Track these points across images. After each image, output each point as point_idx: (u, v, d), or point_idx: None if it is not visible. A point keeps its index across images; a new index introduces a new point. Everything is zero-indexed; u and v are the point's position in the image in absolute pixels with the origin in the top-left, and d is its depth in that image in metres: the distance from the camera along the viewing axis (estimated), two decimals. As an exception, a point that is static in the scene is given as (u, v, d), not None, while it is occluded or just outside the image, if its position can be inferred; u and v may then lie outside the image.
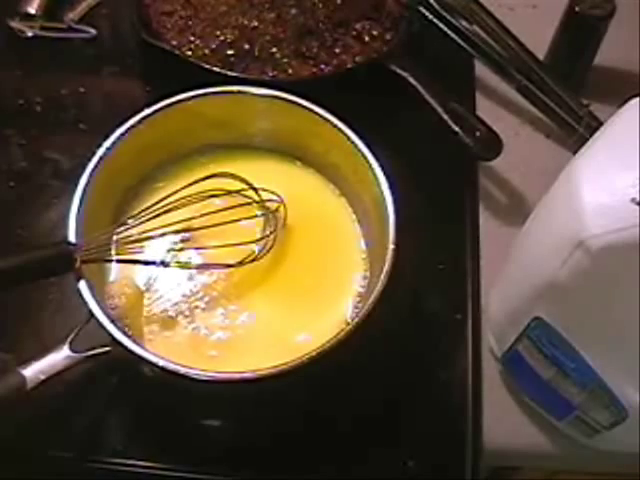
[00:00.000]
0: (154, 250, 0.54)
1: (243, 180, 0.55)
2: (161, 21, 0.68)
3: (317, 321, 0.53)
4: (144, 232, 0.52)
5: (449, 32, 0.69)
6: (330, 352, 0.47)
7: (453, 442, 0.54)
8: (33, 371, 0.48)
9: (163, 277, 0.54)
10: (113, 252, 0.51)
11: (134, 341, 0.47)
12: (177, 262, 0.54)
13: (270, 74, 0.65)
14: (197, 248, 0.55)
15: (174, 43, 0.67)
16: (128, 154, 0.55)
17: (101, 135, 0.54)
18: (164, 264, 0.53)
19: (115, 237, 0.51)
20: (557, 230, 0.45)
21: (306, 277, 0.55)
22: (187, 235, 0.55)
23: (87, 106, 0.67)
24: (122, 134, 0.54)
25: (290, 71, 0.66)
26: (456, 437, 0.54)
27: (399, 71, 0.64)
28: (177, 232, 0.54)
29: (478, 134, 0.61)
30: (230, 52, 0.66)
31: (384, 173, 0.53)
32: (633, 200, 0.40)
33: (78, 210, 0.51)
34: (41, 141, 0.65)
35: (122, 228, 0.52)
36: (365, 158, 0.54)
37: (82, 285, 0.48)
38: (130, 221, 0.52)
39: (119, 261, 0.51)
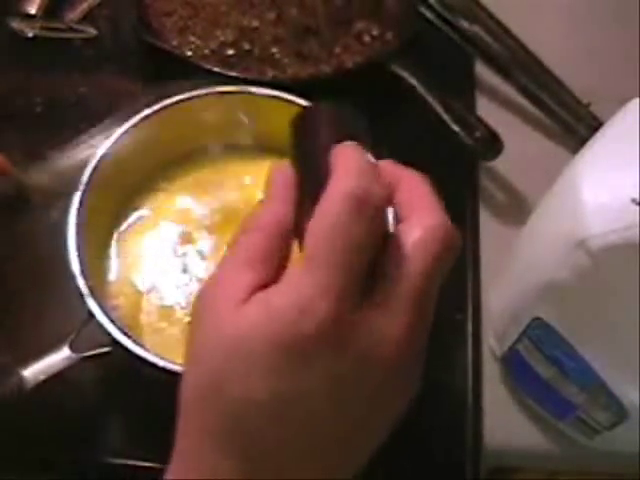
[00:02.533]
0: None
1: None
2: (161, 21, 0.68)
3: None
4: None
5: (449, 32, 0.69)
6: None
7: (453, 442, 0.54)
8: (33, 371, 0.48)
9: (164, 277, 0.54)
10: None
11: (134, 341, 0.47)
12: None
13: (270, 74, 0.65)
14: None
15: (174, 43, 0.67)
16: (128, 154, 0.55)
17: (101, 135, 0.54)
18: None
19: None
20: (557, 230, 0.45)
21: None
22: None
23: (87, 106, 0.67)
24: (122, 134, 0.54)
25: (290, 71, 0.66)
26: (456, 437, 0.54)
27: (399, 71, 0.64)
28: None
29: (478, 134, 0.61)
30: (230, 52, 0.66)
31: (384, 173, 0.53)
32: (633, 200, 0.40)
33: (78, 210, 0.51)
34: (41, 141, 0.65)
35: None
36: (365, 158, 0.54)
37: (82, 285, 0.48)
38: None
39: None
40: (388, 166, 0.36)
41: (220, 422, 0.33)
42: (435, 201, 0.35)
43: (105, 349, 0.48)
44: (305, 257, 0.32)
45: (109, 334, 0.47)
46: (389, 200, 0.34)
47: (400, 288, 0.33)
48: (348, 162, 0.33)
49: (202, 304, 0.34)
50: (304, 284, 0.32)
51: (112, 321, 0.47)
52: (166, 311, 0.53)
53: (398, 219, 0.35)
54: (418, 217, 0.34)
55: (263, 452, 0.33)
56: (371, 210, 0.32)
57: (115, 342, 0.47)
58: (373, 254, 0.33)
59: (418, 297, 0.33)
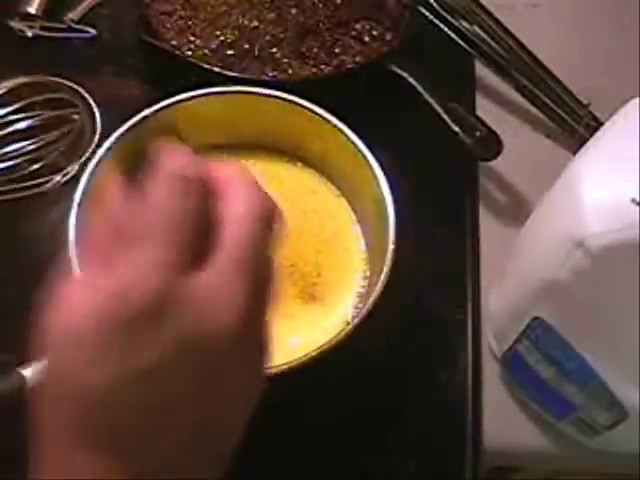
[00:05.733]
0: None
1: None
2: (161, 21, 0.68)
3: (317, 322, 0.53)
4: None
5: (449, 32, 0.69)
6: (330, 352, 0.47)
7: (453, 442, 0.54)
8: (33, 371, 0.48)
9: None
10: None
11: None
12: None
13: (270, 74, 0.65)
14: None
15: (174, 43, 0.67)
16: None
17: (101, 135, 0.54)
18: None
19: None
20: (557, 230, 0.45)
21: (306, 277, 0.55)
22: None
23: (87, 106, 0.67)
24: (122, 134, 0.54)
25: (290, 71, 0.66)
26: (456, 437, 0.54)
27: (399, 71, 0.64)
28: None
29: (478, 134, 0.61)
30: (230, 52, 0.66)
31: (384, 173, 0.53)
32: (633, 200, 0.40)
33: (78, 210, 0.51)
34: (41, 141, 0.65)
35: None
36: (365, 158, 0.54)
37: (82, 285, 0.48)
38: None
39: None
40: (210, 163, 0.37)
41: (72, 416, 0.33)
42: (248, 178, 0.36)
43: (105, 349, 0.48)
44: (126, 238, 0.33)
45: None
46: (205, 176, 0.35)
47: (223, 257, 0.34)
48: (167, 151, 0.35)
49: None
50: (127, 261, 0.32)
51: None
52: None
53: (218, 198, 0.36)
54: (234, 192, 0.35)
55: (115, 440, 0.32)
56: (185, 185, 0.34)
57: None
58: (192, 226, 0.34)
59: (243, 265, 0.34)
